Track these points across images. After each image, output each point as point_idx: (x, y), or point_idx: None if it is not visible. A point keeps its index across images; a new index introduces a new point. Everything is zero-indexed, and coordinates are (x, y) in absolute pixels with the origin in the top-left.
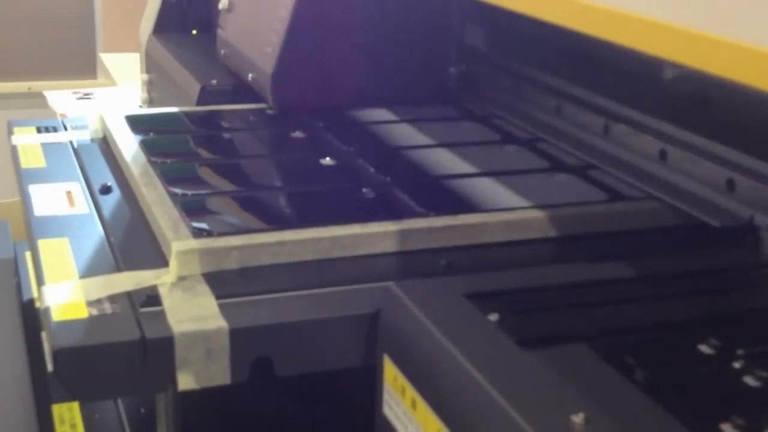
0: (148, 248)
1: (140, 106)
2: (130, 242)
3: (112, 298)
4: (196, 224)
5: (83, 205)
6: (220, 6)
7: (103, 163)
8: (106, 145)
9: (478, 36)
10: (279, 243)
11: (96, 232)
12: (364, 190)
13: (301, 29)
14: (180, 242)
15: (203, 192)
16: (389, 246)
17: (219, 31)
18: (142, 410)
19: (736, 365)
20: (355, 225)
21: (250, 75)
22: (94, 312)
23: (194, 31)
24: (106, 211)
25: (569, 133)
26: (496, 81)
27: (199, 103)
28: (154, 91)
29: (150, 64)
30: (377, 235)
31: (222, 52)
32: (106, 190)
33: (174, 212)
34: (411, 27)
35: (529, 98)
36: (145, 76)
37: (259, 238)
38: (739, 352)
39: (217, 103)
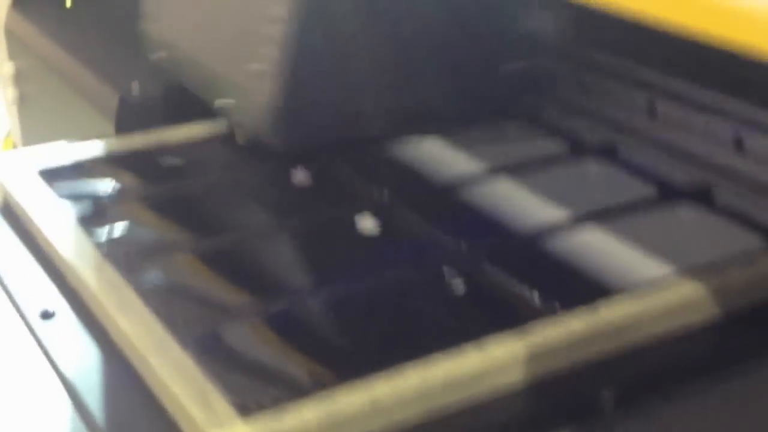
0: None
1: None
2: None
3: None
4: (237, 390)
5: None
6: None
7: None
8: (12, 223)
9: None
10: (371, 402)
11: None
12: (449, 277)
13: (309, 32)
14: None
15: (220, 319)
16: (516, 375)
17: (148, 26)
18: None
19: None
20: (470, 347)
21: (220, 100)
22: None
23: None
24: (62, 362)
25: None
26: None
27: (119, 119)
28: (28, 84)
29: (16, 49)
30: (504, 359)
31: (160, 54)
32: (47, 315)
33: (190, 368)
34: (453, 15)
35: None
36: (11, 67)
37: (341, 398)
38: None
39: (143, 117)
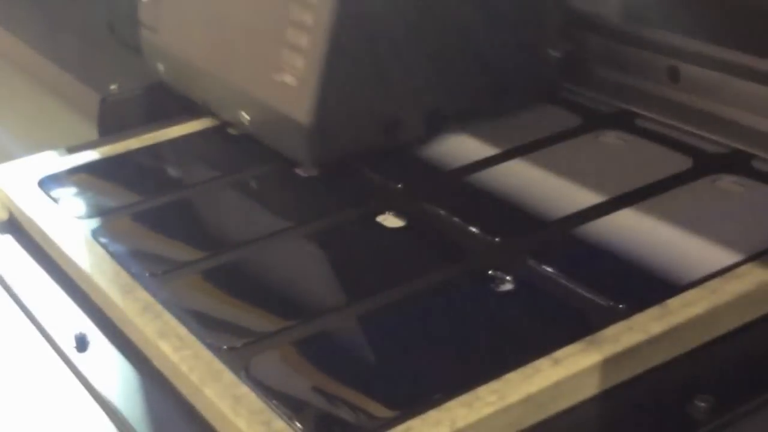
0: None
1: None
2: None
3: None
4: (306, 422)
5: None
6: None
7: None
8: (24, 241)
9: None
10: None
11: None
12: (493, 273)
13: (344, 39)
14: None
15: (264, 342)
16: (594, 386)
17: (147, 33)
18: None
19: None
20: (544, 360)
21: (243, 114)
22: None
23: None
24: (107, 394)
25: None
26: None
27: (101, 120)
28: None
29: None
30: (582, 371)
31: (160, 67)
32: (82, 343)
33: (250, 398)
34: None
35: None
36: None
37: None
38: None
39: (126, 117)
